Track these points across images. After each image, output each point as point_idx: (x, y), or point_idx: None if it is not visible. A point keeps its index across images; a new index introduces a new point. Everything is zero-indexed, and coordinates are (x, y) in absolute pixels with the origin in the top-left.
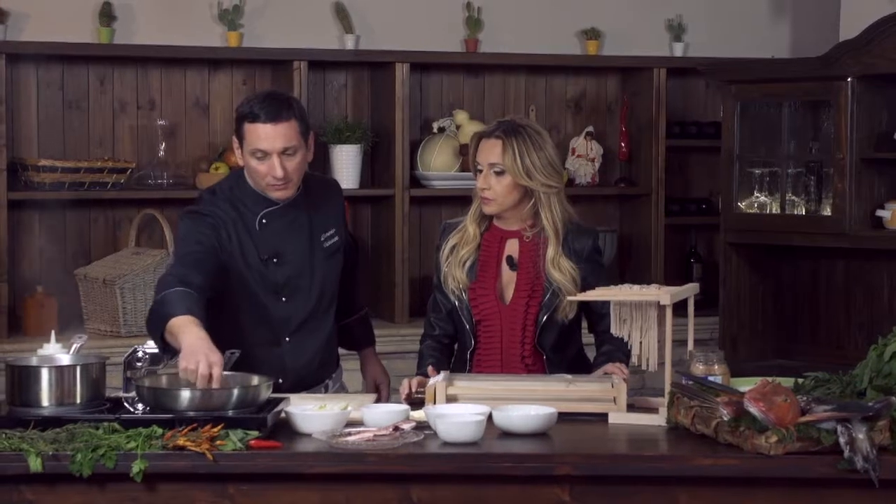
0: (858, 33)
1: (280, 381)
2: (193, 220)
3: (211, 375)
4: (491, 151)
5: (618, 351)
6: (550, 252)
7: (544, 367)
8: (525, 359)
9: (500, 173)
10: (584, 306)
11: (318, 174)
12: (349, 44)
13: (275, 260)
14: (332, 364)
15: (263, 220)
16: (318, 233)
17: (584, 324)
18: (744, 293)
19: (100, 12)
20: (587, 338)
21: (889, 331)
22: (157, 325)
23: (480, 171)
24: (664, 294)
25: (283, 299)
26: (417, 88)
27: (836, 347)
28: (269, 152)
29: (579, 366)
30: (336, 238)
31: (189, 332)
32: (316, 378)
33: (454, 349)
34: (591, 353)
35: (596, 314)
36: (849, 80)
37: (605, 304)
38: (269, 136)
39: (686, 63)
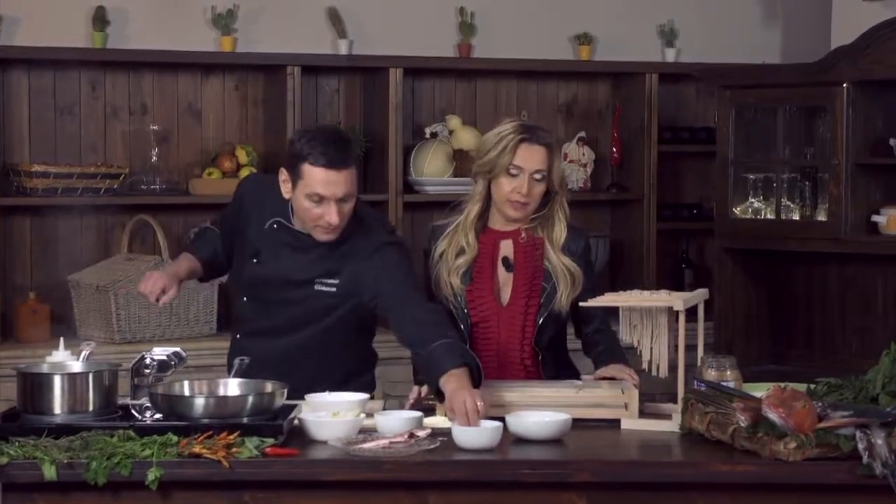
0: (854, 39)
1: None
2: (226, 209)
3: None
4: (537, 158)
5: (617, 349)
6: (564, 237)
7: (539, 368)
8: (524, 360)
9: (540, 180)
10: (574, 306)
11: (376, 228)
12: (343, 49)
13: (255, 260)
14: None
15: (275, 226)
16: (313, 271)
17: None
18: (738, 298)
19: (93, 17)
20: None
21: (884, 335)
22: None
23: (514, 175)
24: (677, 300)
25: (245, 298)
26: (409, 93)
27: (830, 352)
28: (329, 198)
29: (567, 367)
30: (334, 290)
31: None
32: None
33: None
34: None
35: (585, 314)
36: (845, 85)
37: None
38: (331, 182)
39: (678, 69)
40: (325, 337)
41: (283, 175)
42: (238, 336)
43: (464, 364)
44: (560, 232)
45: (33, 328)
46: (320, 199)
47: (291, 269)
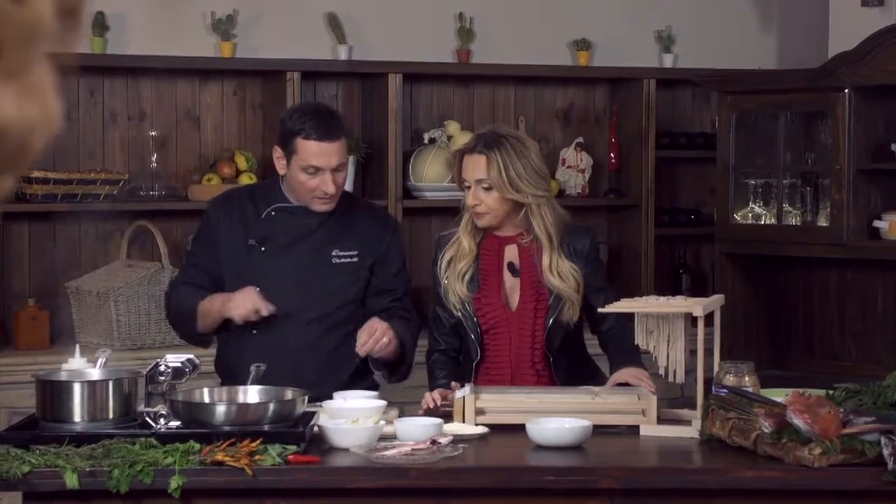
0: (852, 44)
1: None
2: (195, 243)
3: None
4: (475, 167)
5: (631, 351)
6: (546, 261)
7: (552, 371)
8: (536, 364)
9: (488, 188)
10: (586, 306)
11: (378, 207)
12: (342, 54)
13: (262, 248)
14: (330, 385)
15: (272, 213)
16: (328, 245)
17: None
18: (738, 304)
19: (92, 22)
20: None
21: (884, 341)
22: (187, 321)
23: (468, 188)
24: (696, 306)
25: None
26: (408, 99)
27: (830, 358)
28: (324, 169)
29: (583, 370)
30: (356, 260)
31: (223, 294)
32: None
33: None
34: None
35: (599, 314)
36: (846, 91)
37: (608, 304)
38: (324, 153)
39: (675, 74)
40: (325, 314)
41: (278, 153)
42: (254, 332)
43: (401, 343)
44: (545, 243)
45: (32, 335)
46: (315, 171)
47: (301, 249)
